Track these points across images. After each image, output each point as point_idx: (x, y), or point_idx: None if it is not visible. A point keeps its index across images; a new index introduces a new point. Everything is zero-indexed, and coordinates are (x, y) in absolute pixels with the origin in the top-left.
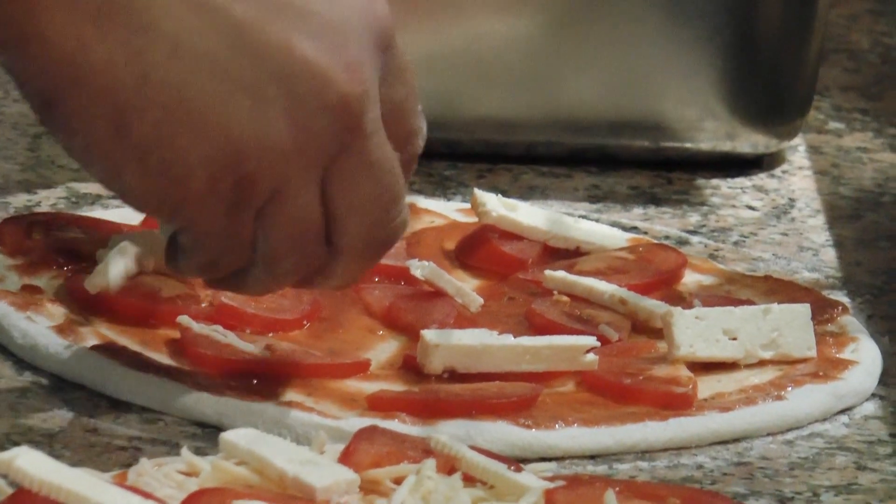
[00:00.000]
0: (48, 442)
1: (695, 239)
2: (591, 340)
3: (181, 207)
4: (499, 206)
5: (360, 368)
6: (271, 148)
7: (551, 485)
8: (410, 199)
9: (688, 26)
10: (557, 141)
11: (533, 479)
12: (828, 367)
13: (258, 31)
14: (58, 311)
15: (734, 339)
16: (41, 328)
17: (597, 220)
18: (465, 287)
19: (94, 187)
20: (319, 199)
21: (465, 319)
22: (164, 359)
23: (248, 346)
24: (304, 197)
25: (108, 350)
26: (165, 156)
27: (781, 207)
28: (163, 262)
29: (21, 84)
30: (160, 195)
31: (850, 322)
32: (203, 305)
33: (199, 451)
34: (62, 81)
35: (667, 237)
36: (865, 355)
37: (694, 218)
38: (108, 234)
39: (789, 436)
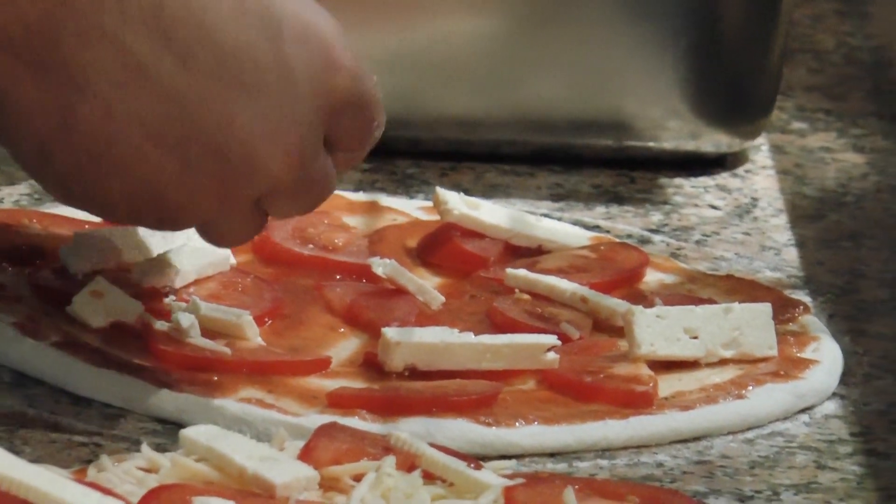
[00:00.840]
0: (8, 437)
1: (657, 238)
2: (552, 339)
3: (107, 218)
4: (461, 204)
5: (321, 366)
6: (196, 204)
7: (511, 482)
8: (372, 197)
9: (651, 25)
10: (521, 140)
11: (492, 477)
12: (789, 367)
13: (199, 106)
14: (19, 308)
15: (695, 337)
16: (2, 324)
17: (559, 219)
18: (427, 285)
19: None
20: (251, 212)
21: (426, 317)
22: (125, 355)
23: (209, 342)
24: (233, 221)
25: (70, 346)
26: (88, 189)
27: (744, 207)
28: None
29: None
30: (83, 210)
31: (812, 321)
32: (166, 301)
33: (159, 448)
34: None
35: (629, 236)
36: (826, 355)
37: (656, 217)
38: (70, 232)
39: (750, 434)
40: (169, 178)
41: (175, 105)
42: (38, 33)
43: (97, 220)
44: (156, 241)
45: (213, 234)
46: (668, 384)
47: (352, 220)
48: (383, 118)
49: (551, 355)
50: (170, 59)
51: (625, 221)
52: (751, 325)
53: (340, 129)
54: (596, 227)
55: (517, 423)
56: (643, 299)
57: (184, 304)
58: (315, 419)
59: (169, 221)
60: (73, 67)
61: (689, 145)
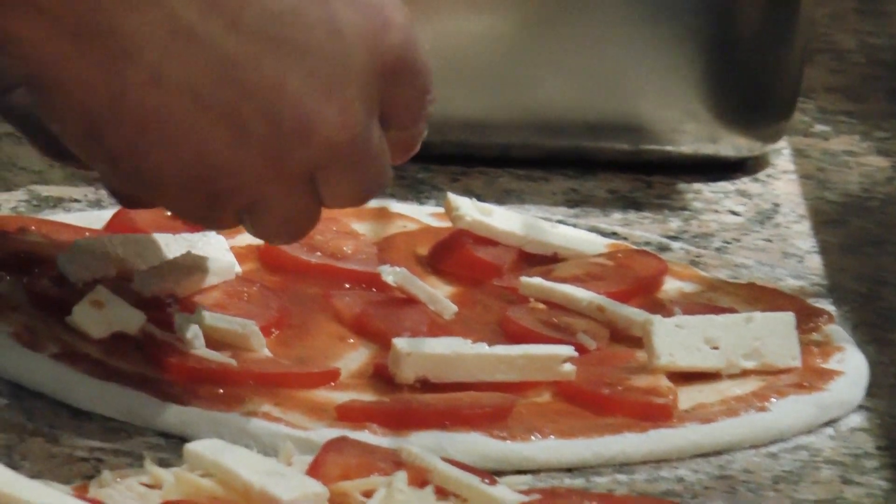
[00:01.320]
0: (6, 452)
1: (676, 245)
2: (568, 349)
3: (154, 202)
4: (473, 210)
5: (330, 377)
6: (248, 175)
7: (527, 498)
8: (382, 203)
9: (668, 24)
10: (534, 143)
11: (508, 493)
12: (813, 378)
13: (250, 68)
14: (17, 318)
15: (716, 348)
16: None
17: (574, 225)
18: (439, 294)
19: (55, 190)
20: (305, 190)
21: (438, 327)
22: (127, 367)
23: (214, 353)
24: (286, 199)
25: (69, 358)
26: (138, 164)
27: (765, 212)
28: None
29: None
30: (133, 191)
31: (836, 331)
32: (169, 311)
33: (162, 463)
34: (39, 82)
35: (647, 243)
36: (851, 365)
37: (675, 223)
38: (69, 239)
39: (773, 448)
40: (220, 147)
41: (224, 68)
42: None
43: (97, 227)
44: (158, 248)
45: (264, 222)
46: (688, 396)
47: (360, 227)
48: (435, 91)
49: (567, 366)
50: (218, 22)
51: (642, 228)
52: (773, 334)
53: (394, 98)
54: (613, 234)
55: (532, 437)
56: (662, 308)
57: (188, 314)
58: (323, 433)
59: (219, 201)
60: (118, 34)
61: (708, 149)
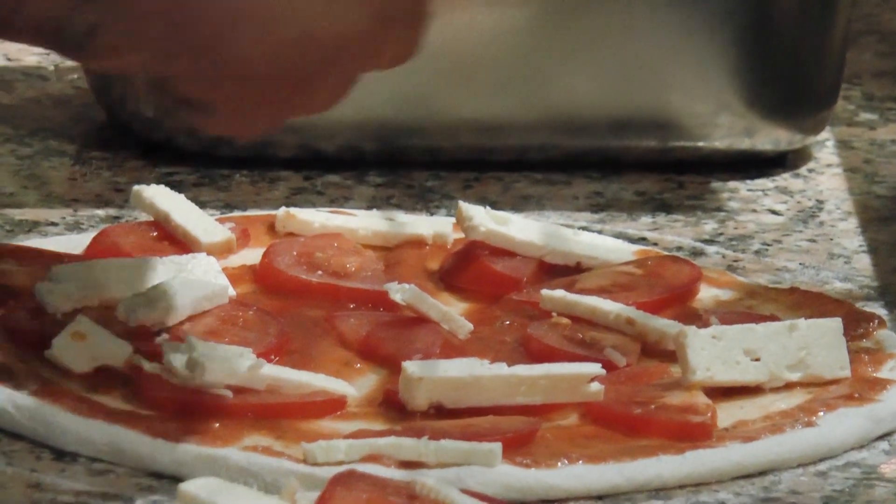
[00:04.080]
0: None
1: (711, 249)
2: (595, 367)
3: (230, 101)
4: (488, 219)
5: (336, 406)
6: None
7: None
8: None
9: (697, 9)
10: (553, 144)
11: None
12: (864, 388)
13: None
14: None
15: (757, 359)
16: None
17: (599, 232)
18: (452, 312)
19: (30, 213)
20: None
21: (452, 348)
22: (113, 403)
23: (208, 385)
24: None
25: (51, 395)
26: (225, 55)
27: (808, 211)
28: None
29: None
30: (210, 84)
31: (888, 337)
32: (157, 340)
33: None
34: None
35: (679, 248)
36: None
37: (709, 225)
38: (46, 266)
39: (822, 466)
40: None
41: None
42: None
43: (77, 252)
44: (144, 273)
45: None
46: (728, 413)
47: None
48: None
49: (595, 386)
50: None
51: (674, 232)
52: (819, 343)
53: None
54: (641, 240)
55: (559, 464)
56: (697, 319)
57: (178, 344)
58: (330, 467)
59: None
60: None
61: (744, 143)
